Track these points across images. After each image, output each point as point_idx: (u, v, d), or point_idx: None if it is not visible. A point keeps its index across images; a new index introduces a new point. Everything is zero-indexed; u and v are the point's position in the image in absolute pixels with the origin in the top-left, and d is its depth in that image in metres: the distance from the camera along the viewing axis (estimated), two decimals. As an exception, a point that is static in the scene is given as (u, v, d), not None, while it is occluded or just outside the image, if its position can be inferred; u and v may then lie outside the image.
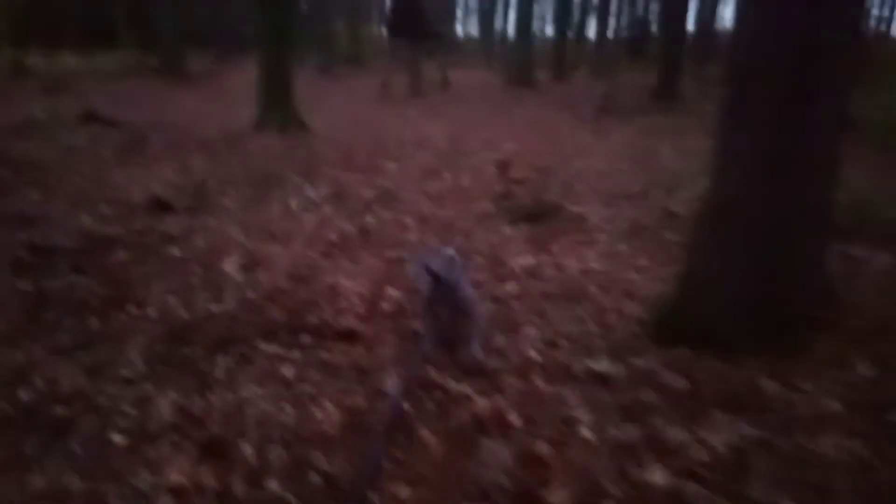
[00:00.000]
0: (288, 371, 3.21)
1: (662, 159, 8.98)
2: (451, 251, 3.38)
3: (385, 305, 3.96)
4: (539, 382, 2.93)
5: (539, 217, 5.93)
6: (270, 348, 3.42)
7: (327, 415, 2.78)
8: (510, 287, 4.18)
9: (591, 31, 35.94)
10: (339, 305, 3.95)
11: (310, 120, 10.62)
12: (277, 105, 9.94)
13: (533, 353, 3.19)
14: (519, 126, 12.76)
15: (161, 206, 5.99)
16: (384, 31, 26.27)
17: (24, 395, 2.94)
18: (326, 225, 5.78)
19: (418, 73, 19.63)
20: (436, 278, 2.99)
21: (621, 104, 15.17)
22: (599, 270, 4.50)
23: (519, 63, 21.10)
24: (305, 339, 3.53)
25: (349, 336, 3.53)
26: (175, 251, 4.89)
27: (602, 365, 3.00)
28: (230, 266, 4.58)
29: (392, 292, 4.13)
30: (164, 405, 2.90)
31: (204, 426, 2.76)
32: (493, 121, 13.59)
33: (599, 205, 6.48)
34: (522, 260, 4.75)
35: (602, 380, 2.92)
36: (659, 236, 5.36)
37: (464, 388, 2.92)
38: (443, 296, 2.98)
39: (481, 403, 2.79)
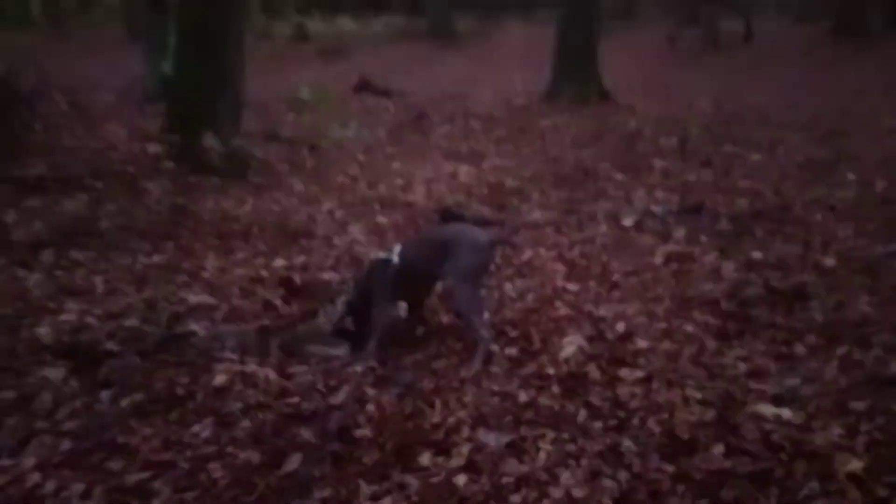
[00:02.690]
0: None
1: None
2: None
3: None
4: None
5: None
6: None
7: None
8: None
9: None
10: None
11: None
12: (578, 71, 7.93)
13: None
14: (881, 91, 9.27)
15: (449, 219, 4.34)
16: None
17: None
18: (690, 265, 3.66)
19: (715, 24, 16.29)
20: None
21: None
22: None
23: (845, 5, 16.47)
24: None
25: None
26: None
27: None
28: (573, 354, 2.68)
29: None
30: None
31: None
32: (836, 85, 10.18)
33: None
34: None
35: None
36: None
37: None
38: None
39: None
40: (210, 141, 4.82)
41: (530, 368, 2.61)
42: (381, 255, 2.92)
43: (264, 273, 3.66)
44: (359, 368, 2.67)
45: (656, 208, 4.43)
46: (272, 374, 2.63)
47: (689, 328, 2.94)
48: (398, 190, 5.10)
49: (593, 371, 2.57)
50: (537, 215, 4.44)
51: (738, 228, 4.13)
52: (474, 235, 2.79)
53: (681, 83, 10.76)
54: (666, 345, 2.79)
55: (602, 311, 3.09)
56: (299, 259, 3.88)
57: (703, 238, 4.02)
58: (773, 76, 10.90)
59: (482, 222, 4.30)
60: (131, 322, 2.95)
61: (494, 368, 2.61)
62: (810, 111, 7.67)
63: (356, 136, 7.02)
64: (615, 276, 3.50)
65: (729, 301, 3.15)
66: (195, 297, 3.32)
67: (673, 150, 5.76)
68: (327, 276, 3.63)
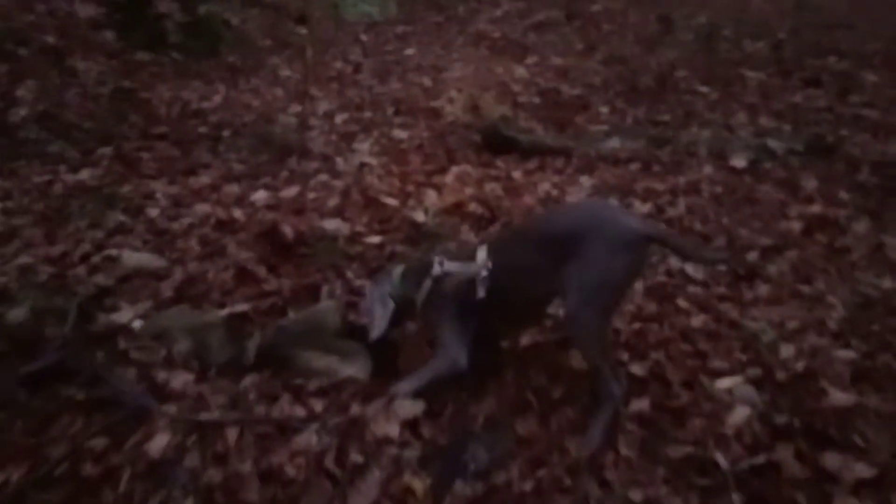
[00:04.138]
0: None
1: None
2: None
3: None
4: None
5: None
6: None
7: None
8: None
9: None
10: None
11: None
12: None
13: None
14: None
15: (497, 142, 3.17)
16: None
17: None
18: (841, 238, 2.60)
19: None
20: None
21: None
22: None
23: None
24: None
25: None
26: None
27: None
28: (745, 421, 1.65)
29: None
30: None
31: None
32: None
33: None
34: None
35: None
36: None
37: None
38: None
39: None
40: (167, 5, 3.47)
41: (681, 448, 1.58)
42: (452, 264, 1.75)
43: (238, 213, 2.52)
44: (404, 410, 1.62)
45: (773, 143, 3.28)
46: (250, 441, 1.55)
47: (892, 363, 1.92)
48: (418, 90, 3.86)
49: (787, 458, 1.55)
50: (615, 143, 3.27)
51: (885, 182, 3.04)
52: (618, 223, 1.61)
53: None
54: (872, 400, 1.77)
55: (753, 322, 2.05)
56: (289, 191, 2.73)
57: (843, 194, 2.94)
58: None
59: (543, 150, 3.14)
60: (20, 312, 1.81)
61: (623, 448, 1.58)
62: (881, 25, 6.27)
63: (357, 6, 5.60)
64: (750, 255, 2.43)
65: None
66: (134, 256, 2.19)
67: (765, 58, 4.53)
68: (331, 224, 2.50)
